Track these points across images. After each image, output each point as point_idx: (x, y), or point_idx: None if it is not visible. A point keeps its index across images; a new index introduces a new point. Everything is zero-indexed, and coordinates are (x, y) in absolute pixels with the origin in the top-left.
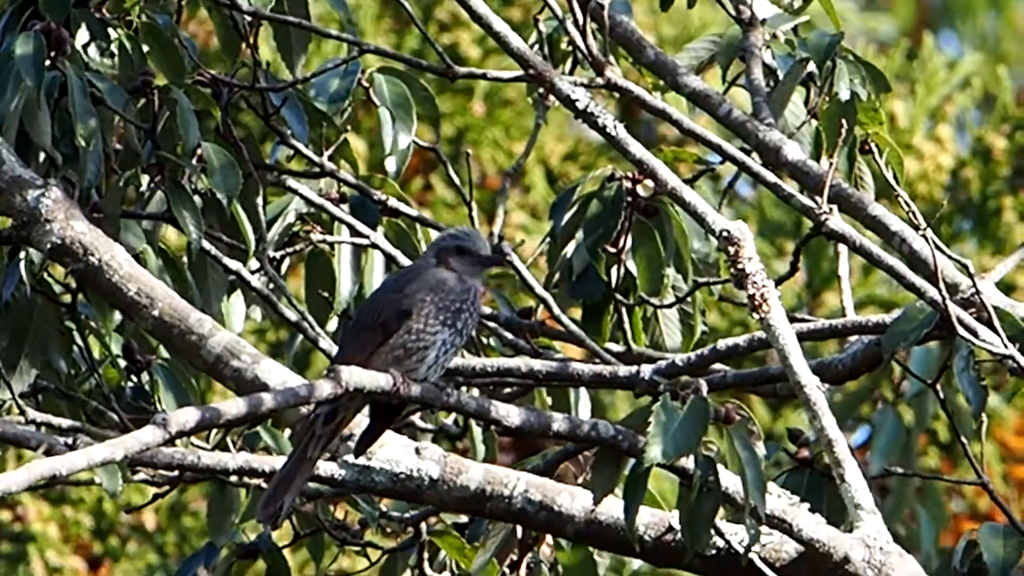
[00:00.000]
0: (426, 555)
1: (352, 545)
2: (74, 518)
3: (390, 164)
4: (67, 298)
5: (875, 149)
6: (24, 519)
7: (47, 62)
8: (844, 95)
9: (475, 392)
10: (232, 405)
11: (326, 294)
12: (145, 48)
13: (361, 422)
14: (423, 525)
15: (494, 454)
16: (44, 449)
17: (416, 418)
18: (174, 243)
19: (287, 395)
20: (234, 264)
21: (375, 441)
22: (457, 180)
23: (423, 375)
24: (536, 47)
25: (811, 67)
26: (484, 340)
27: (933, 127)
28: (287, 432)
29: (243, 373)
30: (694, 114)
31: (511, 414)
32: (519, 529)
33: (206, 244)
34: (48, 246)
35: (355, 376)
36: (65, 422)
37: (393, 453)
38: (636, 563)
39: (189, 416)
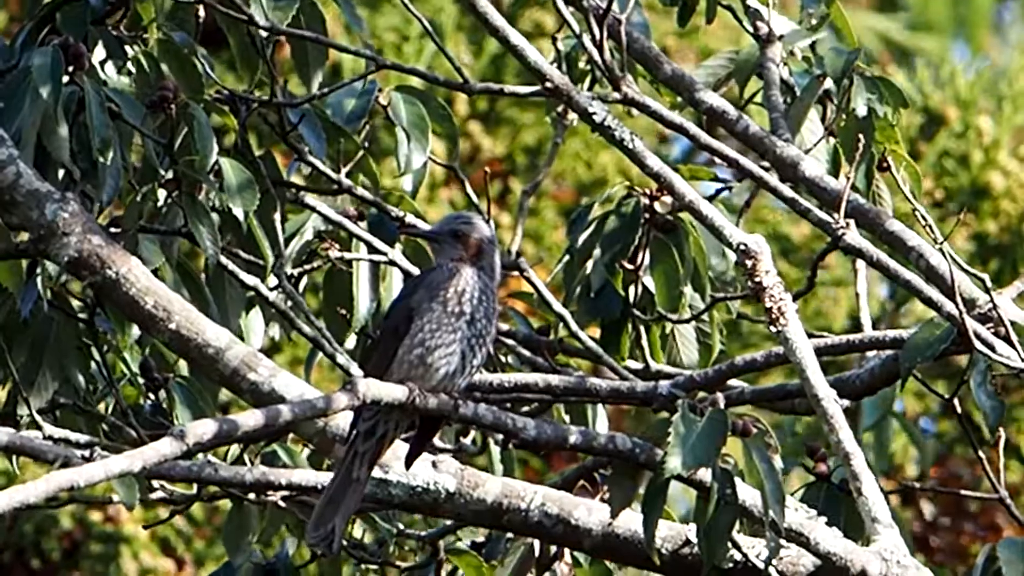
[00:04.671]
0: (444, 574)
1: (370, 563)
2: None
3: (406, 183)
4: (85, 314)
5: (892, 165)
6: (116, 520)
7: (65, 77)
8: (861, 111)
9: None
10: (250, 417)
11: (344, 311)
12: (163, 65)
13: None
14: (441, 543)
15: (512, 473)
16: (61, 462)
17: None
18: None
19: (304, 407)
20: (251, 280)
21: (422, 452)
22: (474, 195)
23: (455, 368)
24: (554, 65)
25: (828, 83)
26: (502, 358)
27: (1018, 144)
28: (305, 452)
29: (260, 386)
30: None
31: (527, 427)
32: (537, 547)
33: (223, 260)
34: (65, 259)
35: (372, 388)
36: (83, 438)
37: (411, 466)
38: None
39: (207, 428)
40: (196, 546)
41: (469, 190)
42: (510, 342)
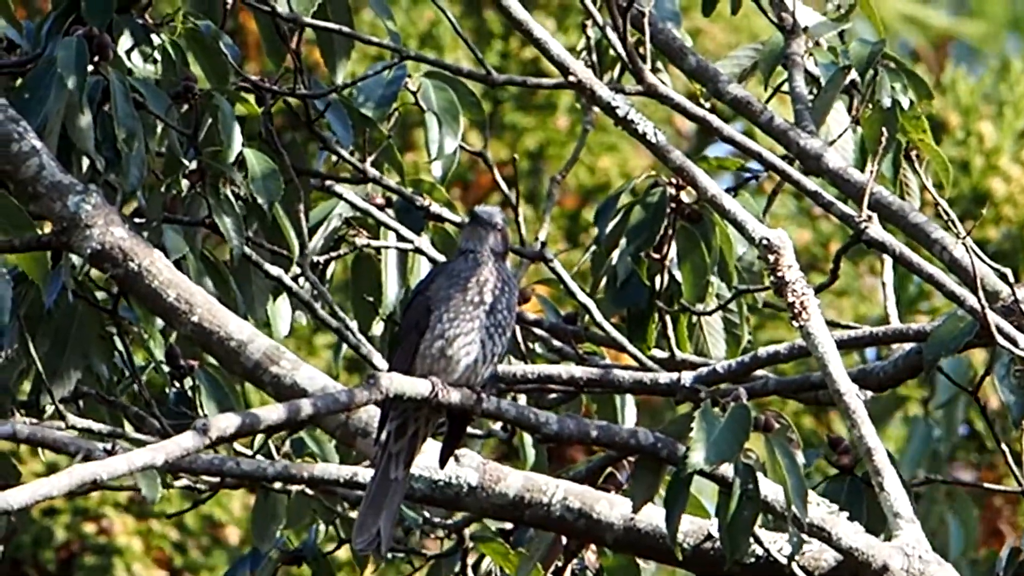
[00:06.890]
0: (470, 561)
1: (396, 551)
2: (161, 531)
3: (436, 169)
4: (109, 303)
5: (915, 157)
6: (109, 532)
7: (90, 67)
8: (886, 103)
9: (522, 398)
10: (272, 411)
11: (371, 299)
12: (188, 54)
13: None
14: (467, 531)
15: (544, 460)
16: (83, 455)
17: None
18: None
19: (327, 401)
20: (276, 271)
21: (455, 448)
22: (504, 184)
23: (475, 358)
24: (584, 53)
25: (854, 75)
26: (529, 345)
27: (1019, 149)
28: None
29: (282, 379)
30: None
31: (550, 421)
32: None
33: (247, 250)
34: (88, 251)
35: (395, 382)
36: (105, 428)
37: (432, 460)
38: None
39: (229, 422)
40: (192, 556)
41: (498, 177)
42: (537, 330)
